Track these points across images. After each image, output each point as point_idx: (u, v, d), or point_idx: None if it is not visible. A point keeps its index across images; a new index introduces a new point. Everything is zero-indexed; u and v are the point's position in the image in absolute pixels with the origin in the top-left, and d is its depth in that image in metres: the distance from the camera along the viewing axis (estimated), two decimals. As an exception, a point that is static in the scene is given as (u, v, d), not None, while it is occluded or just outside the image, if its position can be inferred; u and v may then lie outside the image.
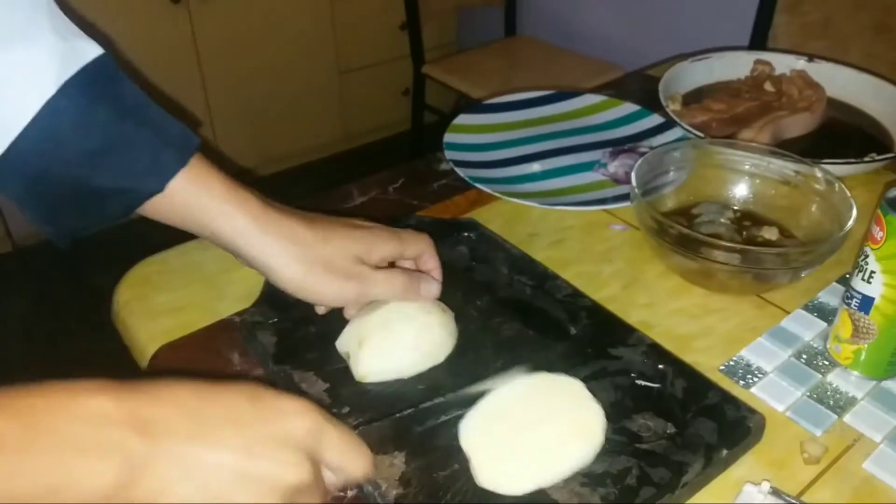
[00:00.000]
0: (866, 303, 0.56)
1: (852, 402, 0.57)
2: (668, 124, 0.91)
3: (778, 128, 0.88)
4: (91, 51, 0.48)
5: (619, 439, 0.51)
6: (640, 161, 0.72)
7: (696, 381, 0.55)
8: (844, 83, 0.96)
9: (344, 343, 0.57)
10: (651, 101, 0.94)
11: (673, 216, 0.73)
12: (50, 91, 0.46)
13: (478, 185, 0.78)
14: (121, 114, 0.49)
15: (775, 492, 0.49)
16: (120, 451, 0.35)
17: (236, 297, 0.64)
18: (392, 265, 0.59)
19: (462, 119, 0.92)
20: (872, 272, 0.55)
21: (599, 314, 0.61)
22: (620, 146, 0.87)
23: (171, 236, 0.64)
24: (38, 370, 0.38)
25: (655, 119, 0.93)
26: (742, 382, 0.58)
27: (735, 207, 0.75)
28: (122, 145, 0.49)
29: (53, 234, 0.52)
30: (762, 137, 0.85)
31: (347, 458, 0.42)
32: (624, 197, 0.77)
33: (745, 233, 0.72)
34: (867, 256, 0.55)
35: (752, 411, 0.53)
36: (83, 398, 0.35)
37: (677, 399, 0.54)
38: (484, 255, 0.68)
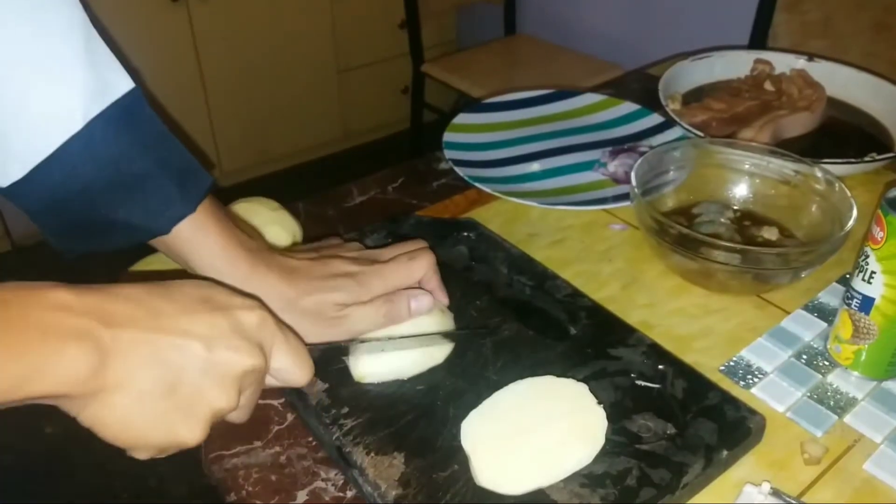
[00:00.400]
0: (867, 303, 0.56)
1: (853, 402, 0.57)
2: (668, 123, 0.90)
3: (778, 127, 0.88)
4: (121, 85, 0.49)
5: (619, 440, 0.50)
6: (639, 160, 0.71)
7: (697, 382, 0.55)
8: (844, 82, 0.95)
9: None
10: (651, 101, 0.94)
11: (673, 216, 0.73)
12: (77, 126, 0.47)
13: (477, 184, 0.78)
14: (140, 150, 0.50)
15: (776, 493, 0.49)
16: (88, 337, 0.36)
17: (235, 297, 0.64)
18: None
19: (461, 118, 0.92)
20: (873, 272, 0.55)
21: (599, 314, 0.61)
22: (620, 145, 0.87)
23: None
24: None
25: (655, 118, 0.93)
26: (742, 383, 0.58)
27: (735, 207, 0.75)
28: (137, 183, 0.50)
29: (60, 249, 0.53)
30: (762, 137, 0.85)
31: (291, 361, 0.45)
32: (624, 196, 0.77)
33: (745, 233, 0.72)
34: (867, 257, 0.55)
35: (753, 412, 0.53)
36: (48, 291, 0.37)
37: (677, 399, 0.54)
38: (483, 254, 0.68)
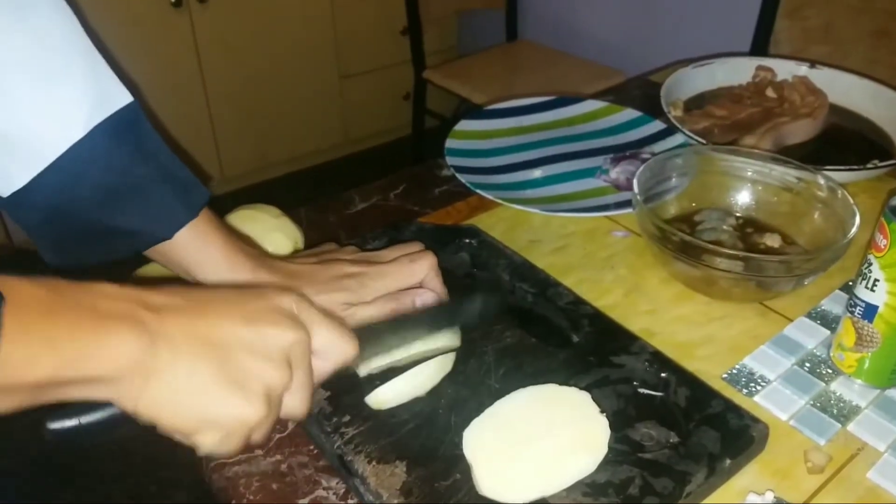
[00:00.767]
0: (870, 311, 0.56)
1: (856, 410, 0.57)
2: (670, 130, 0.90)
3: (780, 134, 0.88)
4: (121, 98, 0.50)
5: (621, 448, 0.50)
6: (641, 167, 0.71)
7: (699, 390, 0.55)
8: (846, 89, 0.95)
9: None
10: (653, 107, 0.94)
11: (675, 223, 0.73)
12: (78, 134, 0.48)
13: (479, 191, 0.78)
14: (140, 160, 0.51)
15: (779, 501, 0.49)
16: (136, 320, 0.37)
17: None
18: None
19: (463, 125, 0.92)
20: (876, 280, 0.55)
21: (601, 322, 0.61)
22: (622, 152, 0.87)
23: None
24: (62, 407, 0.39)
25: (657, 125, 0.93)
26: (745, 391, 0.58)
27: (737, 214, 0.75)
28: (138, 190, 0.50)
29: (57, 265, 0.53)
30: (764, 144, 0.85)
31: (333, 337, 0.46)
32: (626, 203, 0.76)
33: (747, 240, 0.72)
34: (870, 264, 0.55)
35: (756, 420, 0.52)
36: (94, 283, 0.38)
37: (680, 408, 0.54)
38: (485, 261, 0.68)
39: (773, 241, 0.71)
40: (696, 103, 0.97)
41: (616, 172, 0.83)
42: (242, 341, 0.41)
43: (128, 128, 0.50)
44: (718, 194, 0.76)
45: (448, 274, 0.61)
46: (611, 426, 0.50)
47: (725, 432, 0.51)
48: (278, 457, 0.54)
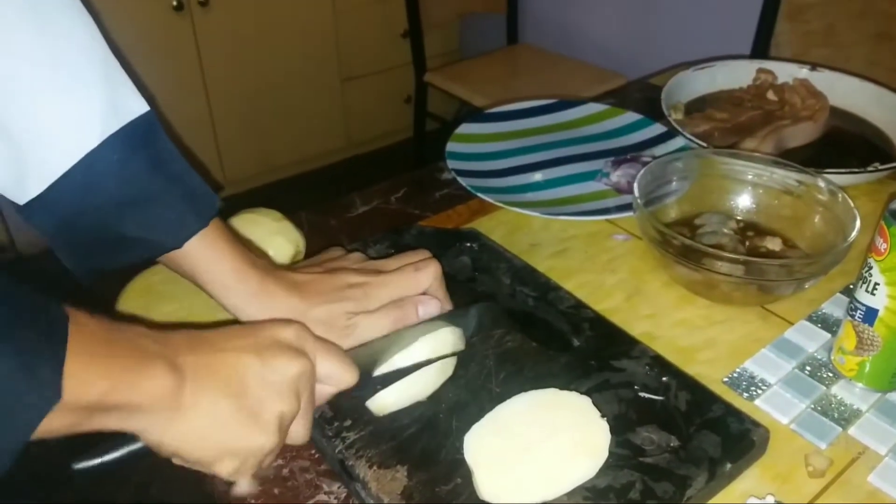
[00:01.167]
0: (870, 314, 0.56)
1: (857, 414, 0.57)
2: (671, 133, 0.90)
3: (781, 137, 0.88)
4: (136, 107, 0.51)
5: (622, 453, 0.50)
6: (642, 171, 0.71)
7: (700, 394, 0.55)
8: (847, 92, 0.95)
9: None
10: (653, 110, 0.94)
11: (676, 226, 0.73)
12: (93, 143, 0.48)
13: (480, 194, 0.78)
14: (154, 169, 0.52)
15: (780, 506, 0.49)
16: (167, 359, 0.41)
17: (238, 309, 0.64)
18: None
19: (464, 128, 0.92)
20: (876, 284, 0.55)
21: (602, 326, 0.61)
22: (623, 156, 0.87)
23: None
24: (85, 448, 0.42)
25: (658, 128, 0.93)
26: (746, 395, 0.58)
27: (738, 217, 0.75)
28: (151, 199, 0.51)
29: (75, 270, 0.54)
30: (765, 147, 0.85)
31: (334, 365, 0.49)
32: (626, 207, 0.77)
33: (748, 243, 0.72)
34: (871, 268, 0.55)
35: (757, 424, 0.52)
36: (133, 325, 0.42)
37: (681, 412, 0.54)
38: (486, 265, 0.68)
39: (773, 244, 0.71)
40: (697, 106, 0.97)
41: (617, 176, 0.83)
42: (255, 374, 0.44)
43: (142, 137, 0.51)
44: (719, 198, 0.76)
45: (449, 278, 0.61)
46: (611, 430, 0.50)
47: (726, 436, 0.51)
48: (280, 461, 0.54)
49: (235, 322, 0.54)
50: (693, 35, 1.88)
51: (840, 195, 0.68)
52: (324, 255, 0.63)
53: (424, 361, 0.54)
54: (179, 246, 0.52)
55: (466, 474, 0.48)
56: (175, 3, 2.03)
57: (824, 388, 0.59)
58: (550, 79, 2.03)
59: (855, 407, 0.57)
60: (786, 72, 0.99)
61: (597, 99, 1.04)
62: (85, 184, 0.49)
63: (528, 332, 0.61)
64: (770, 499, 0.50)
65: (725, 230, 0.72)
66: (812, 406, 0.57)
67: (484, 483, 0.47)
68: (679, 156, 0.76)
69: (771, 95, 0.96)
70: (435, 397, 0.55)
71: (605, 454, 0.49)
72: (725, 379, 0.60)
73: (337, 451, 0.51)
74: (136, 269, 0.70)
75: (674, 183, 0.75)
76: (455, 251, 0.69)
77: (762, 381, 0.59)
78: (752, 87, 1.00)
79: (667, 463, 0.49)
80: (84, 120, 0.48)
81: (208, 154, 2.28)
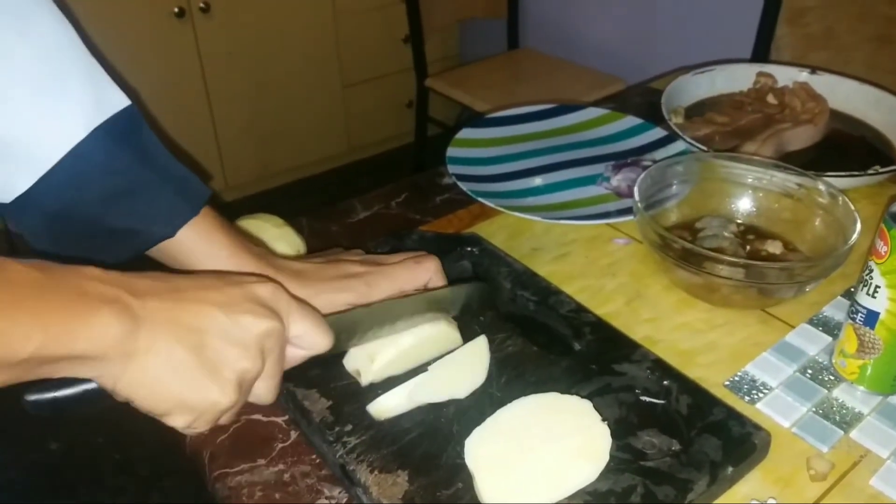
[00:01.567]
0: (871, 317, 0.56)
1: (858, 417, 0.57)
2: (671, 137, 0.91)
3: (781, 140, 0.88)
4: (119, 101, 0.51)
5: (623, 457, 0.50)
6: (642, 175, 0.72)
7: (701, 398, 0.55)
8: (847, 95, 0.96)
9: (353, 361, 0.57)
10: (654, 114, 0.94)
11: (676, 230, 0.73)
12: (78, 137, 0.48)
13: (480, 199, 0.78)
14: (140, 160, 0.52)
15: (782, 509, 0.49)
16: (120, 303, 0.39)
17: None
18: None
19: (464, 133, 0.92)
20: (877, 287, 0.55)
21: (603, 330, 0.61)
22: (623, 160, 0.87)
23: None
24: (40, 382, 0.40)
25: (658, 132, 0.93)
26: (747, 398, 0.58)
27: (738, 221, 0.75)
28: (140, 190, 0.51)
29: None
30: (765, 150, 0.85)
31: (309, 326, 0.47)
32: (627, 211, 0.77)
33: (748, 247, 0.72)
34: (871, 271, 0.55)
35: (758, 428, 0.52)
36: (81, 267, 0.40)
37: (682, 415, 0.54)
38: (487, 269, 0.68)
39: (774, 247, 0.71)
40: (697, 110, 0.97)
41: (617, 180, 0.84)
42: (219, 328, 0.43)
43: (127, 129, 0.51)
44: (720, 201, 0.76)
45: (450, 282, 0.61)
46: (612, 434, 0.50)
47: (727, 440, 0.51)
48: (281, 466, 0.54)
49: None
50: (693, 39, 1.88)
51: (840, 198, 0.68)
52: (325, 252, 0.63)
53: (424, 363, 0.54)
54: (172, 234, 0.52)
55: (467, 479, 0.48)
56: (176, 10, 2.04)
57: (826, 391, 0.59)
58: (551, 83, 2.03)
59: (856, 410, 0.57)
60: (786, 75, 0.99)
61: (597, 103, 1.04)
62: (73, 177, 0.49)
63: (528, 337, 0.61)
64: (771, 502, 0.50)
65: (726, 234, 0.72)
66: (813, 409, 0.57)
67: (485, 487, 0.47)
68: (679, 159, 0.76)
69: (771, 99, 0.96)
70: (436, 402, 0.55)
71: (606, 458, 0.49)
72: (726, 382, 0.59)
73: (338, 455, 0.51)
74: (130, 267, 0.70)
75: (674, 187, 0.75)
76: (456, 256, 0.70)
77: (763, 384, 0.59)
78: (752, 91, 1.00)
79: (668, 466, 0.49)
80: (68, 114, 0.48)
81: (210, 159, 2.28)
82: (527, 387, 0.55)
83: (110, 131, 0.50)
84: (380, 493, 0.48)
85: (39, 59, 0.48)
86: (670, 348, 0.62)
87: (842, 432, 0.55)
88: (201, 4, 2.08)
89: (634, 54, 2.07)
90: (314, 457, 0.54)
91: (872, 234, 0.56)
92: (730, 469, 0.50)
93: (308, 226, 0.79)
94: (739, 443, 0.51)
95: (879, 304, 0.55)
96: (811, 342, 0.63)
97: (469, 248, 0.70)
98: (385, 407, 0.53)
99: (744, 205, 0.75)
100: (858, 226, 0.64)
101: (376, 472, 0.49)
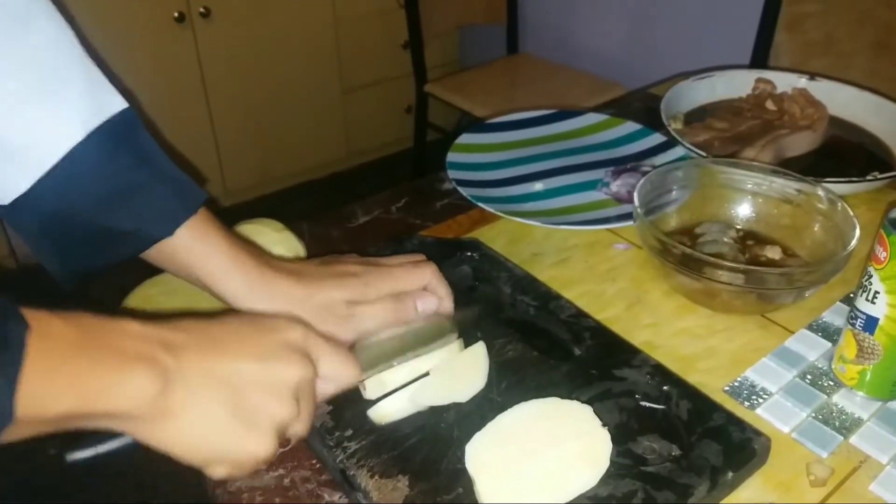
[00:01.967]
0: (871, 323, 0.56)
1: (858, 423, 0.57)
2: (671, 143, 0.91)
3: (780, 146, 0.88)
4: (117, 104, 0.52)
5: (623, 462, 0.50)
6: (642, 180, 0.72)
7: (701, 403, 0.55)
8: (846, 101, 0.96)
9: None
10: (653, 120, 0.94)
11: (676, 235, 0.73)
12: (76, 139, 0.49)
13: (480, 204, 0.78)
14: (137, 162, 0.52)
15: (782, 515, 0.49)
16: (155, 361, 0.39)
17: (239, 319, 0.64)
18: None
19: (464, 138, 0.92)
20: (876, 292, 0.55)
21: (603, 335, 0.61)
22: (623, 165, 0.87)
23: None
24: (77, 437, 0.41)
25: (657, 138, 0.93)
26: (747, 403, 0.58)
27: (738, 227, 0.75)
28: (137, 191, 0.51)
29: (59, 273, 0.54)
30: (764, 156, 0.86)
31: (337, 364, 0.49)
32: (627, 216, 0.77)
33: (748, 252, 0.72)
34: (871, 276, 0.55)
35: (758, 433, 0.52)
36: (121, 321, 0.40)
37: (682, 421, 0.54)
38: (487, 274, 0.68)
39: (773, 253, 0.71)
40: (697, 116, 0.97)
41: (617, 185, 0.84)
42: (254, 379, 0.43)
43: (124, 131, 0.51)
44: (719, 207, 0.76)
45: (450, 287, 0.61)
46: (613, 439, 0.50)
47: (727, 445, 0.51)
48: (281, 471, 0.54)
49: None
50: (692, 45, 1.89)
51: (839, 204, 0.68)
52: (323, 258, 0.64)
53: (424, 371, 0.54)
54: (170, 234, 0.52)
55: (468, 484, 0.48)
56: (177, 15, 2.05)
57: (825, 396, 0.59)
58: (550, 89, 2.03)
59: (856, 416, 0.57)
60: (785, 81, 1.00)
61: (597, 109, 1.04)
62: (70, 178, 0.49)
63: (529, 342, 0.61)
64: (772, 508, 0.50)
65: (725, 239, 0.72)
66: (813, 415, 0.57)
67: (485, 492, 0.47)
68: (679, 165, 0.76)
69: (770, 105, 0.97)
70: (436, 407, 0.55)
71: (607, 463, 0.49)
72: (726, 388, 0.60)
73: (338, 460, 0.51)
74: (133, 279, 0.70)
75: (674, 192, 0.75)
76: (456, 261, 0.70)
77: (763, 389, 0.59)
78: (751, 97, 1.00)
79: (668, 472, 0.49)
80: (67, 116, 0.49)
81: (209, 164, 2.29)
82: (527, 392, 0.55)
83: (108, 134, 0.50)
84: (380, 498, 0.48)
85: (38, 62, 0.48)
86: (670, 353, 0.62)
87: (841, 438, 0.55)
88: (201, 9, 2.08)
89: (634, 60, 2.07)
90: (314, 462, 0.54)
91: (871, 240, 0.57)
92: (730, 474, 0.50)
93: (308, 230, 0.79)
94: (739, 448, 0.51)
95: (879, 309, 0.55)
96: (811, 348, 0.63)
97: (469, 254, 0.71)
98: (385, 412, 0.53)
99: (743, 210, 0.76)
100: (857, 231, 0.64)
101: (376, 477, 0.49)
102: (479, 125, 0.96)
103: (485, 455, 0.49)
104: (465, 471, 0.49)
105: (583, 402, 0.53)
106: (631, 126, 0.96)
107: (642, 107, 1.06)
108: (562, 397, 0.53)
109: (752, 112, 0.96)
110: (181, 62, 2.12)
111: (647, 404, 0.55)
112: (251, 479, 0.53)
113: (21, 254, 2.11)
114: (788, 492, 0.52)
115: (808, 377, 0.61)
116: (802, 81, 0.99)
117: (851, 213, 0.66)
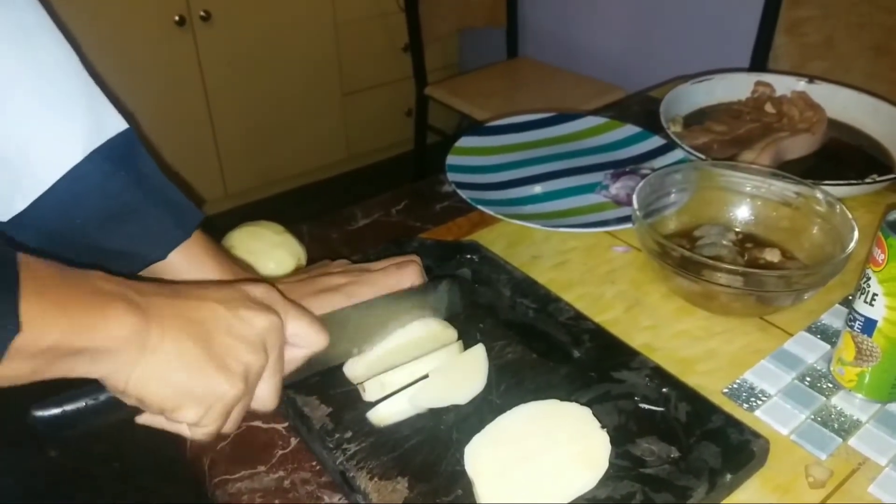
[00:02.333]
0: (869, 325, 0.56)
1: (857, 425, 0.57)
2: (670, 146, 0.91)
3: (779, 149, 0.88)
4: (117, 125, 0.52)
5: (622, 464, 0.50)
6: (641, 183, 0.72)
7: (700, 405, 0.55)
8: (845, 104, 0.96)
9: (354, 373, 0.57)
10: (652, 123, 0.94)
11: (675, 238, 0.73)
12: (76, 159, 0.49)
13: (480, 206, 0.79)
14: (136, 183, 0.52)
15: (780, 517, 0.49)
16: (130, 300, 0.41)
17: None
18: None
19: (464, 141, 0.93)
20: (875, 295, 0.55)
21: (602, 337, 0.61)
22: (622, 168, 0.87)
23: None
24: (40, 389, 0.41)
25: (657, 141, 0.93)
26: (746, 405, 0.58)
27: (737, 229, 0.75)
28: (132, 213, 0.52)
29: None
30: (763, 159, 0.86)
31: (304, 325, 0.49)
32: (626, 219, 0.77)
33: (746, 255, 0.72)
34: (869, 279, 0.56)
35: (757, 435, 0.53)
36: (90, 271, 0.41)
37: (681, 423, 0.54)
38: (486, 277, 0.69)
39: (772, 255, 0.71)
40: (696, 119, 0.97)
41: (616, 188, 0.84)
42: (223, 322, 0.45)
43: (123, 152, 0.52)
44: (718, 209, 0.76)
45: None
46: (612, 441, 0.50)
47: (726, 447, 0.51)
48: (281, 473, 0.54)
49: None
50: (692, 48, 1.89)
51: (838, 207, 0.69)
52: (310, 267, 0.64)
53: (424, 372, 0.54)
54: (163, 257, 0.53)
55: (467, 486, 0.49)
56: (177, 18, 2.05)
57: (824, 398, 0.59)
58: (550, 92, 2.04)
59: (855, 418, 0.57)
60: (784, 84, 1.00)
61: (596, 112, 1.04)
62: (69, 198, 0.49)
63: (528, 344, 0.61)
64: (770, 510, 0.50)
65: (724, 242, 0.72)
66: (812, 417, 0.57)
67: (485, 494, 0.47)
68: (678, 168, 0.76)
69: (769, 108, 0.97)
70: (435, 409, 0.55)
71: (606, 465, 0.49)
72: (725, 390, 0.60)
73: (338, 462, 0.51)
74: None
75: (673, 195, 0.75)
76: (455, 263, 0.70)
77: (762, 391, 0.59)
78: (750, 100, 1.00)
79: (667, 474, 0.50)
80: (68, 136, 0.49)
81: (210, 167, 2.29)
82: (526, 394, 0.55)
83: (108, 155, 0.51)
84: (379, 500, 0.48)
85: (40, 81, 0.48)
86: (669, 356, 0.63)
87: (840, 440, 0.55)
88: (202, 13, 2.08)
89: (633, 63, 2.08)
90: (314, 463, 0.54)
91: (870, 243, 0.57)
92: (728, 476, 0.50)
93: (308, 233, 0.80)
94: (738, 450, 0.51)
95: (877, 311, 0.55)
96: (809, 350, 0.63)
97: (469, 256, 0.71)
98: (385, 414, 0.54)
99: (742, 213, 0.76)
100: (856, 234, 0.64)
101: (376, 479, 0.50)
102: (478, 128, 0.96)
103: (484, 457, 0.49)
104: (464, 472, 0.49)
105: (582, 404, 0.53)
106: (630, 129, 0.97)
107: (641, 110, 1.06)
108: (561, 399, 0.54)
109: (751, 115, 0.96)
110: (182, 66, 2.13)
111: (646, 406, 0.55)
112: (251, 481, 0.53)
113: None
114: (787, 493, 0.52)
115: (807, 379, 0.61)
116: (801, 84, 0.99)
117: (850, 216, 0.67)
